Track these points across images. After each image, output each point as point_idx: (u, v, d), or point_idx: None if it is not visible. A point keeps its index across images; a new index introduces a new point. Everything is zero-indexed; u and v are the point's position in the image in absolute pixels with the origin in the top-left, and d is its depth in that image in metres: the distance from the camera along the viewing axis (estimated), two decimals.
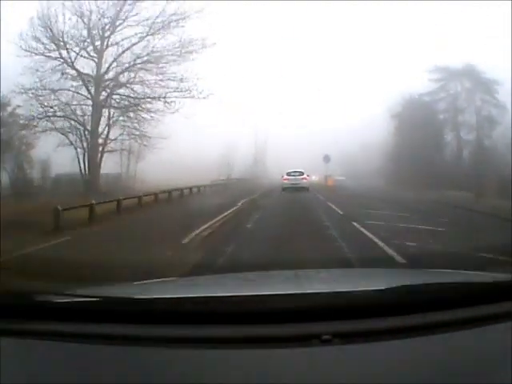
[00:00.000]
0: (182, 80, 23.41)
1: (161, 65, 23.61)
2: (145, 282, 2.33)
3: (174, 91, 23.68)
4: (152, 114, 23.72)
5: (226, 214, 13.10)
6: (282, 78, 46.80)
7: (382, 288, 1.54)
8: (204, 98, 23.11)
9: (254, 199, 19.45)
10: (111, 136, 24.05)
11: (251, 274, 2.80)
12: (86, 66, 22.84)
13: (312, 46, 50.75)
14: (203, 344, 1.30)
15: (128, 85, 23.63)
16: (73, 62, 22.41)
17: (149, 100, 23.82)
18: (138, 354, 1.28)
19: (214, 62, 27.26)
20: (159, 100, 23.64)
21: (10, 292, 1.57)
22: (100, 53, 22.98)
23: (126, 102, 23.83)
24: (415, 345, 1.30)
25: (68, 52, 22.37)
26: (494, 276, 1.95)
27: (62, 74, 22.33)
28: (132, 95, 23.76)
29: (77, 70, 22.59)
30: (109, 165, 24.75)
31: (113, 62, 23.27)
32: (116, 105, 23.92)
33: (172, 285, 2.30)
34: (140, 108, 23.83)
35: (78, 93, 22.96)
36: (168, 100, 23.45)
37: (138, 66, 23.49)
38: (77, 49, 22.49)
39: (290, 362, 1.22)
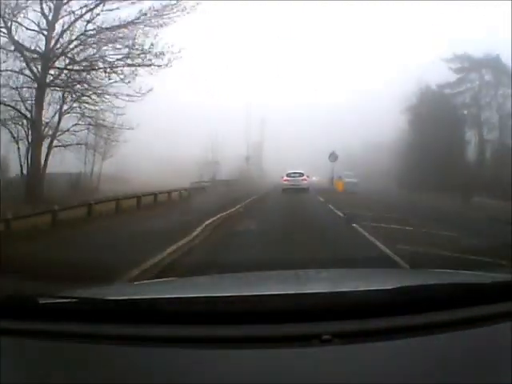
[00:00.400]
0: (134, 45, 17.60)
1: (129, 36, 17.72)
2: (145, 282, 2.33)
3: (122, 57, 17.67)
4: (107, 96, 18.09)
5: (153, 262, 6.08)
6: (280, 62, 42.13)
7: (382, 288, 1.55)
8: (166, 65, 17.35)
9: (233, 216, 12.53)
10: (64, 127, 18.41)
11: (251, 274, 2.80)
12: (35, 42, 17.35)
13: (316, 28, 46.32)
14: (203, 344, 1.30)
15: (84, 62, 17.91)
16: (10, 32, 16.74)
17: (89, 75, 17.81)
18: (138, 354, 1.28)
19: (197, 32, 23.52)
20: (104, 72, 17.68)
21: (10, 292, 1.57)
22: (51, 24, 17.47)
23: (70, 80, 17.90)
24: (415, 345, 1.30)
25: (5, 22, 16.70)
26: (494, 276, 1.96)
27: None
28: (77, 68, 17.79)
29: (13, 38, 16.87)
30: (70, 162, 19.69)
31: (64, 31, 17.40)
32: (64, 85, 18.04)
33: (172, 285, 2.30)
34: (98, 91, 18.15)
35: (19, 72, 17.33)
36: (115, 70, 17.56)
37: (97, 37, 17.78)
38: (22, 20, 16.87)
39: (290, 362, 1.22)
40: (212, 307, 1.44)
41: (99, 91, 18.18)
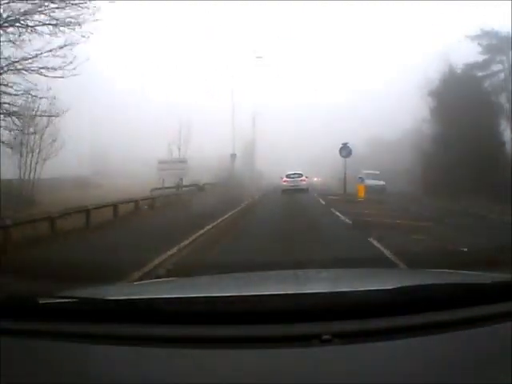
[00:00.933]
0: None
1: None
2: (144, 282, 2.33)
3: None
4: (27, 74, 12.44)
5: None
6: (280, 61, 38.65)
7: (382, 288, 1.55)
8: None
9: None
10: None
11: (251, 274, 2.80)
12: None
13: (318, 19, 44.62)
14: (203, 344, 1.30)
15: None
16: None
17: None
18: (138, 353, 1.28)
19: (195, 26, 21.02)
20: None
21: (11, 292, 1.57)
22: None
23: None
24: (415, 345, 1.30)
25: None
26: (494, 276, 1.96)
27: None
28: None
29: None
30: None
31: None
32: None
33: (171, 285, 2.30)
34: (16, 67, 12.48)
35: None
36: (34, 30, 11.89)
37: None
38: None
39: (290, 362, 1.22)
40: (212, 307, 1.45)
41: (17, 66, 12.62)
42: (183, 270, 6.13)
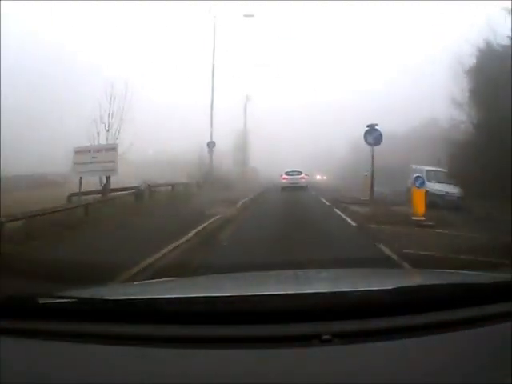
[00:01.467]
0: None
1: None
2: (144, 282, 2.32)
3: None
4: None
5: None
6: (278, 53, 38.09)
7: (382, 288, 1.55)
8: None
9: None
10: None
11: (251, 274, 2.80)
12: None
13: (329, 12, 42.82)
14: (203, 344, 1.30)
15: None
16: None
17: None
18: (138, 353, 1.28)
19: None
20: None
21: (11, 292, 1.57)
22: None
23: None
24: (415, 345, 1.30)
25: None
26: (494, 276, 1.96)
27: None
28: None
29: None
30: None
31: None
32: None
33: (171, 285, 2.30)
34: None
35: None
36: None
37: None
38: None
39: (290, 362, 1.22)
40: (212, 307, 1.45)
41: None
42: None
